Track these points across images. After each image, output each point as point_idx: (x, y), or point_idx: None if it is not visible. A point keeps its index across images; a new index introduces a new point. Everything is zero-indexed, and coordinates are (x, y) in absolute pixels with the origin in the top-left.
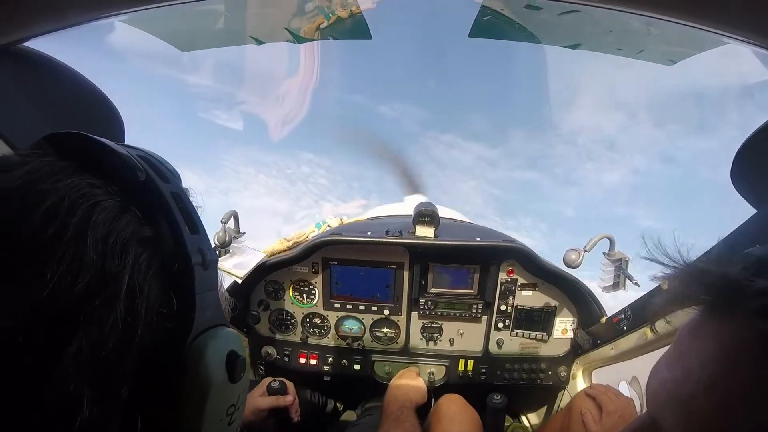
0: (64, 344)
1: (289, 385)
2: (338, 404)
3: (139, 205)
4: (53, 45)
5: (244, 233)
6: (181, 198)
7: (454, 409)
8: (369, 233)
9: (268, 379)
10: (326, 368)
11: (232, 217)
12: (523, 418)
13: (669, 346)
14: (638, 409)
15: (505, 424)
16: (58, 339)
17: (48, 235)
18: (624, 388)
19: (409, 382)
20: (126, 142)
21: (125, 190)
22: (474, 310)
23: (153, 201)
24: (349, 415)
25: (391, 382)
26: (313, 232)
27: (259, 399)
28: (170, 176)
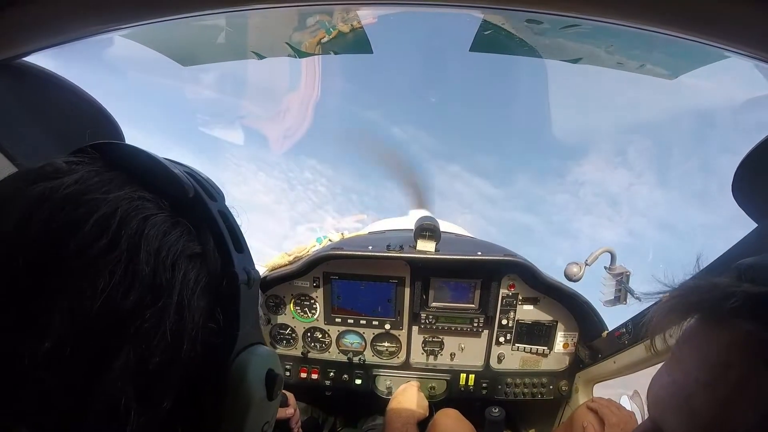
0: (111, 357)
1: (290, 396)
2: (339, 419)
3: (188, 221)
4: (53, 60)
5: None
6: (227, 217)
7: (450, 423)
8: (370, 248)
9: None
10: (327, 383)
11: None
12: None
13: (668, 356)
14: (639, 422)
15: None
16: (106, 352)
17: (100, 246)
18: (625, 402)
19: (412, 397)
20: None
21: (175, 206)
22: (475, 325)
23: (201, 218)
24: (352, 430)
25: (393, 396)
26: (314, 246)
27: None
28: (216, 195)
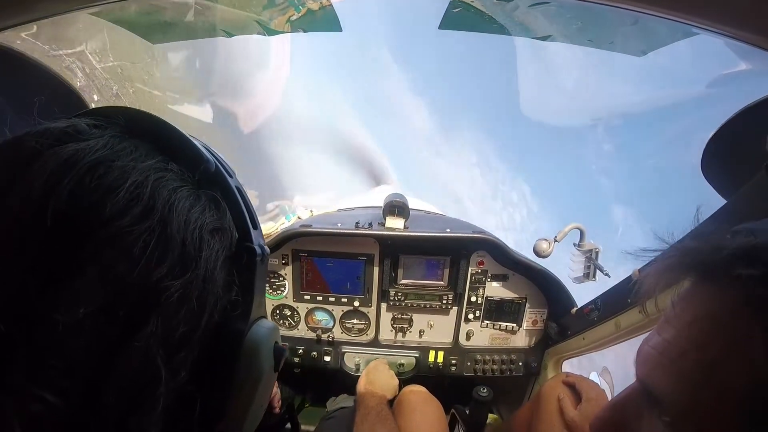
0: (140, 326)
1: None
2: (307, 397)
3: (209, 195)
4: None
5: None
6: (242, 193)
7: (416, 400)
8: (339, 225)
9: None
10: (296, 360)
11: None
12: (494, 408)
13: (660, 318)
14: (610, 399)
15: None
16: (135, 320)
17: (135, 214)
18: (595, 379)
19: (382, 375)
20: None
21: (197, 180)
22: (444, 302)
23: (222, 193)
24: (319, 408)
25: (363, 374)
26: (283, 224)
27: None
28: (231, 171)
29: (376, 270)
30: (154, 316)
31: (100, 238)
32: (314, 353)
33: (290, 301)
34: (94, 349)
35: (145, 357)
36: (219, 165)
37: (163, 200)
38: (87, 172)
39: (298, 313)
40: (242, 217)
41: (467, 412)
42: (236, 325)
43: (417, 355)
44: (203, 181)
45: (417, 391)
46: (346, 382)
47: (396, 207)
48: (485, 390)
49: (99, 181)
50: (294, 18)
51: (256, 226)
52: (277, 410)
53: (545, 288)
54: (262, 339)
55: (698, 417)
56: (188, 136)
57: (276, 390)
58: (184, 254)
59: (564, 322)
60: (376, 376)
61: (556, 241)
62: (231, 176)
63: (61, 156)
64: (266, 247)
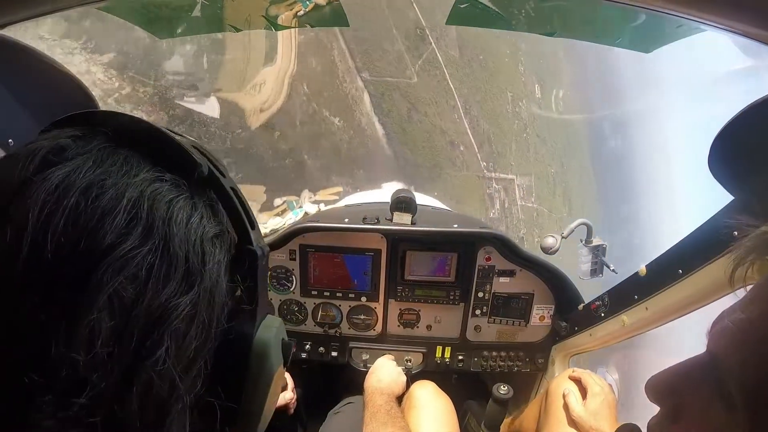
0: (153, 349)
1: (289, 381)
2: (315, 392)
3: (204, 200)
4: (28, 32)
5: None
6: (238, 193)
7: (426, 396)
8: (346, 220)
9: None
10: (303, 355)
11: None
12: None
13: (748, 293)
14: (616, 395)
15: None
16: (147, 344)
17: (137, 236)
18: (602, 375)
19: (390, 372)
20: None
21: (191, 185)
22: (451, 297)
23: (217, 196)
24: (327, 403)
25: (371, 371)
26: (290, 219)
27: None
28: (224, 171)
29: (383, 265)
30: (166, 336)
31: (105, 266)
32: (321, 348)
33: (297, 297)
34: (113, 379)
35: (163, 377)
36: (212, 167)
37: (161, 216)
38: (80, 197)
39: (305, 309)
40: (240, 219)
41: (486, 409)
42: (244, 327)
43: (424, 351)
44: (198, 187)
45: (426, 386)
46: (354, 378)
47: (403, 202)
48: (505, 388)
49: (94, 204)
50: (301, 13)
51: (253, 225)
52: (291, 412)
53: (552, 284)
54: (271, 338)
55: (764, 405)
56: (177, 139)
57: (291, 395)
58: (189, 270)
59: (571, 318)
60: (384, 373)
61: (563, 237)
62: (224, 176)
63: (51, 182)
64: (266, 246)
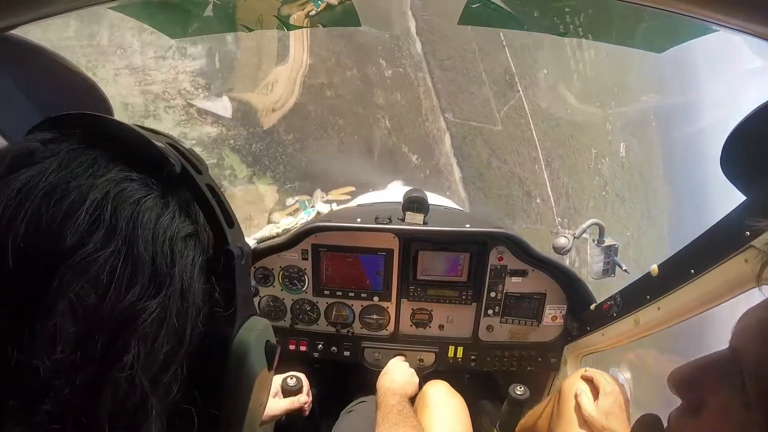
0: (121, 353)
1: (304, 383)
2: (327, 392)
3: (177, 199)
4: (41, 32)
5: None
6: (215, 190)
7: (439, 395)
8: (358, 220)
9: (281, 376)
10: (315, 355)
11: None
12: None
13: None
14: (628, 395)
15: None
16: (115, 349)
17: (98, 239)
18: (614, 374)
19: (403, 372)
20: None
21: (162, 184)
22: (464, 297)
23: (191, 195)
24: (339, 402)
25: (384, 372)
26: (303, 219)
27: (272, 403)
28: (201, 167)
29: (395, 265)
30: (133, 342)
31: (65, 270)
32: (334, 348)
33: (310, 296)
34: (78, 385)
35: (131, 384)
36: (186, 164)
37: (125, 217)
38: (42, 200)
39: (317, 308)
40: (215, 218)
41: (500, 409)
42: (223, 331)
43: (436, 351)
44: (170, 186)
45: (439, 386)
46: (366, 377)
47: (415, 202)
48: (522, 389)
49: (56, 207)
50: (313, 13)
51: (232, 224)
52: (306, 413)
53: (565, 283)
54: (251, 341)
55: None
56: (150, 135)
57: (306, 399)
58: (155, 272)
59: (583, 318)
60: (397, 374)
61: (575, 237)
62: (201, 173)
63: (14, 186)
64: (246, 245)
